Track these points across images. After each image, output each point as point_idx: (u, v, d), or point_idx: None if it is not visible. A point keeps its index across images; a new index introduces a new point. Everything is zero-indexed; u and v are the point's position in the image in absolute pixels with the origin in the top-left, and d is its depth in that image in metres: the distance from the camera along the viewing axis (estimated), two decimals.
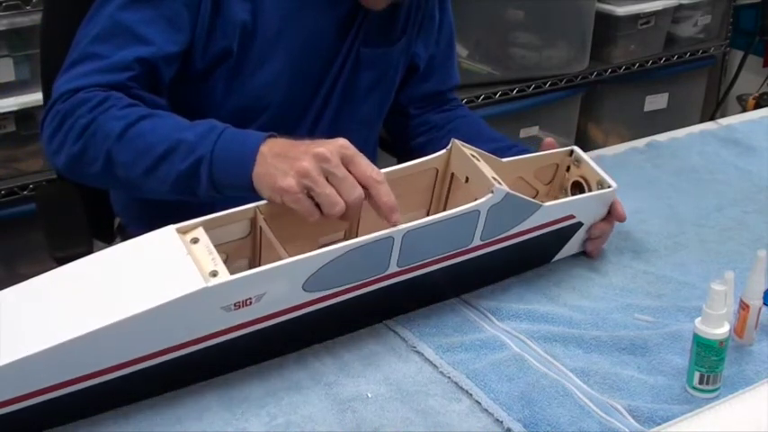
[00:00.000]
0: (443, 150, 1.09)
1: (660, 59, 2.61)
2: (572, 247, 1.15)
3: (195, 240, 0.91)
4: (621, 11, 2.45)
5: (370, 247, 0.93)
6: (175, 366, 0.89)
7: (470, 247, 1.02)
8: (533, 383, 0.92)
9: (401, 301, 1.02)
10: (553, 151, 1.18)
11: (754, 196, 1.37)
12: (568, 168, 1.18)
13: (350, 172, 0.91)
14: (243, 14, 1.11)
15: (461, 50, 2.27)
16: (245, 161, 0.94)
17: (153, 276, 0.88)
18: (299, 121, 1.22)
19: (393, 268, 0.97)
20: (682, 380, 0.94)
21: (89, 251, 1.21)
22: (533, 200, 1.06)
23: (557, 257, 1.15)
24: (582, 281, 1.12)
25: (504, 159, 1.11)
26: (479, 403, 0.90)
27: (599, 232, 1.15)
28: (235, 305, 0.88)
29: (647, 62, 2.59)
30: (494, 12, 2.28)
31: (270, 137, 0.96)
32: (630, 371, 0.96)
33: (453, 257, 1.02)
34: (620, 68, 2.54)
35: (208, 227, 0.93)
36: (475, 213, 0.99)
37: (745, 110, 2.62)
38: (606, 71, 2.51)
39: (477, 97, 2.28)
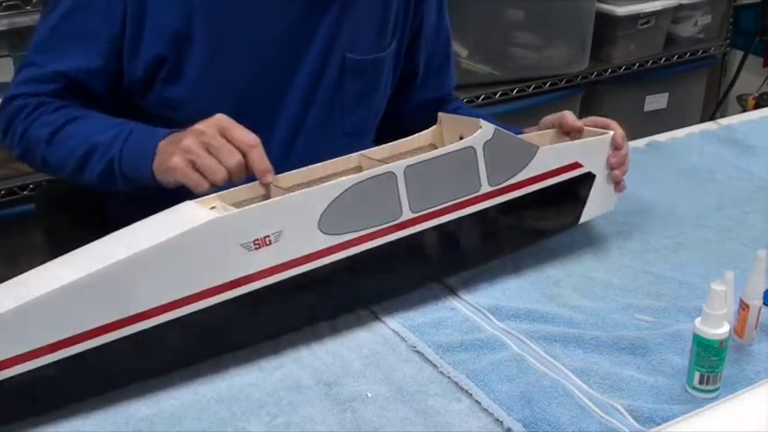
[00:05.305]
0: (434, 126, 1.12)
1: (660, 59, 2.61)
2: (597, 204, 1.17)
3: (213, 207, 0.96)
4: (621, 11, 2.44)
5: (373, 182, 0.96)
6: (208, 320, 0.89)
7: (481, 193, 1.04)
8: (533, 383, 0.92)
9: (427, 258, 1.04)
10: (545, 132, 1.20)
11: (754, 196, 1.37)
12: None
13: (228, 141, 0.99)
14: (172, 21, 1.12)
15: (461, 50, 2.27)
16: (146, 157, 1.04)
17: (167, 226, 0.90)
18: (272, 125, 1.21)
19: (408, 214, 0.99)
20: (682, 380, 0.94)
21: None
22: (528, 141, 1.08)
23: (585, 218, 1.17)
24: (582, 281, 1.13)
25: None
26: (479, 403, 0.90)
27: (613, 162, 1.17)
28: (254, 243, 0.90)
29: (647, 62, 2.59)
30: (494, 12, 2.28)
31: (171, 133, 1.04)
32: (630, 371, 0.96)
33: (468, 205, 1.03)
34: (620, 68, 2.54)
35: (224, 200, 0.98)
36: (470, 150, 1.02)
37: (745, 110, 2.61)
38: (606, 71, 2.51)
39: (477, 97, 2.27)
